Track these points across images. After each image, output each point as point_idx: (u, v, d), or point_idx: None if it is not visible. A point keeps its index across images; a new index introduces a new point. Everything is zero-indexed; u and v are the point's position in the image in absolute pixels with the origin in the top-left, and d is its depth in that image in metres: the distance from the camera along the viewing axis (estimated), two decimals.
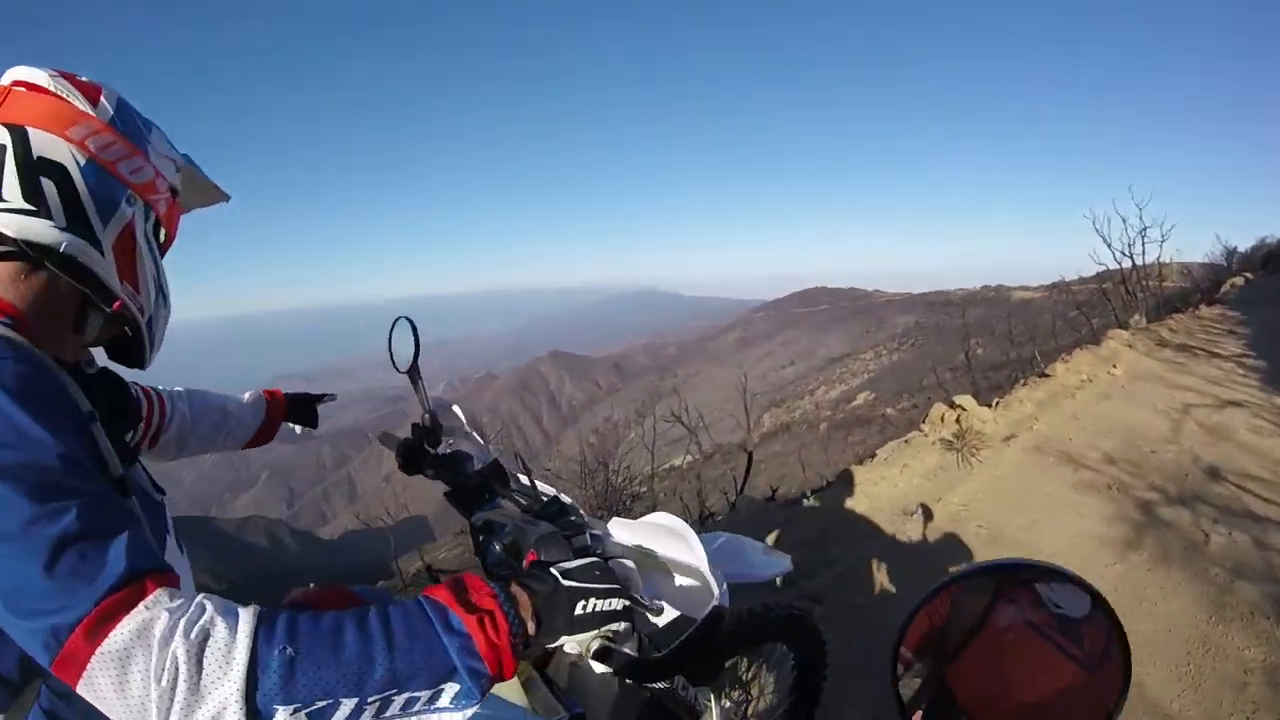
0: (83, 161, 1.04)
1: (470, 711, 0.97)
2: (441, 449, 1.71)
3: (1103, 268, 11.69)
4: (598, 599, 1.06)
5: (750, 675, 2.14)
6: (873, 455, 5.52)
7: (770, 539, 4.24)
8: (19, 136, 1.00)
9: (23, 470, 0.81)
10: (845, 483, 4.99)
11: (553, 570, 1.07)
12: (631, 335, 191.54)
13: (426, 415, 1.69)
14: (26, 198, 1.00)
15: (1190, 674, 3.02)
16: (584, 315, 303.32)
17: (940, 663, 1.32)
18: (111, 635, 0.76)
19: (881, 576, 3.91)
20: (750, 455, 6.38)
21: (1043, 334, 13.49)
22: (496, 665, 0.92)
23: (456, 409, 1.77)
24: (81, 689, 0.76)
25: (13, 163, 1.00)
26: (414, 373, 1.63)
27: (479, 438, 1.75)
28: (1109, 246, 11.26)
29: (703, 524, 5.31)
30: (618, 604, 1.08)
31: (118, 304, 1.11)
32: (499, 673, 0.93)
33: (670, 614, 1.25)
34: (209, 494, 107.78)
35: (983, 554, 4.07)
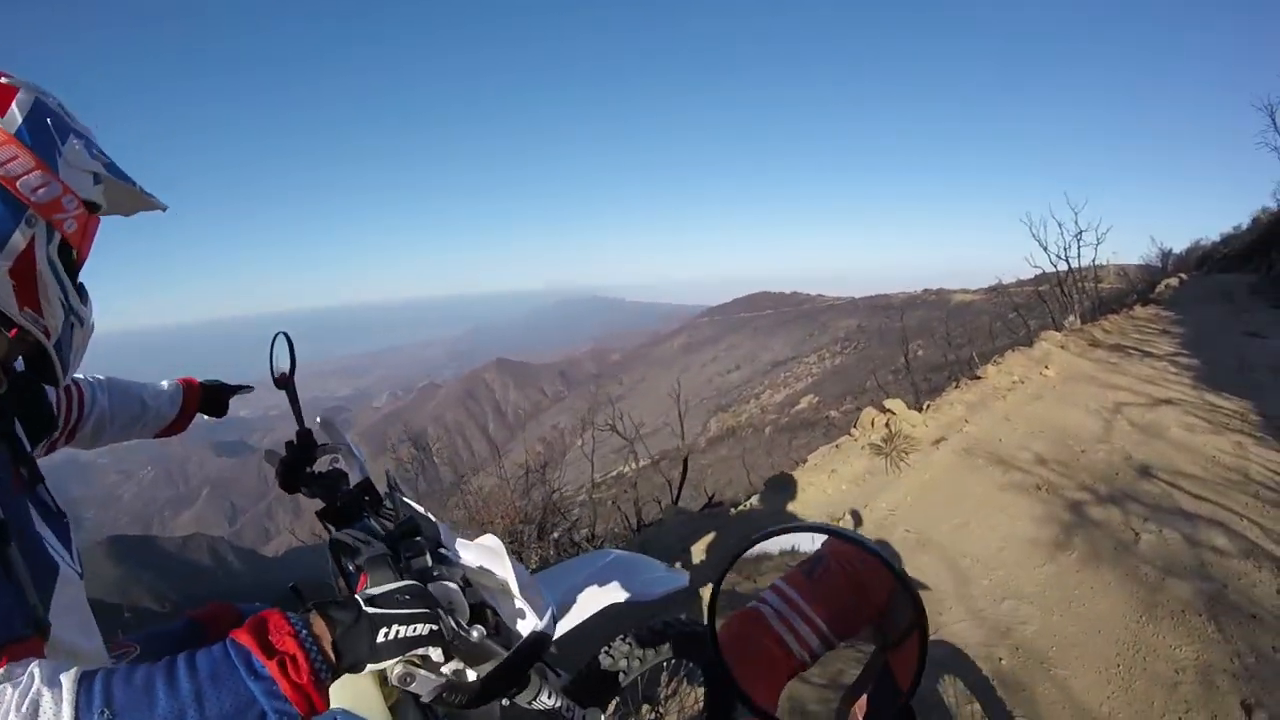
0: None
1: None
2: (321, 466, 1.69)
3: (1039, 270, 11.96)
4: (400, 625, 1.03)
5: (669, 692, 2.11)
6: (804, 460, 5.50)
7: (696, 547, 4.18)
8: None
9: None
10: (777, 488, 4.95)
11: (356, 597, 1.04)
12: (576, 342, 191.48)
13: (300, 432, 1.68)
14: None
15: (1120, 674, 2.98)
16: (528, 321, 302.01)
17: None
18: None
19: None
20: (685, 464, 6.34)
21: (981, 336, 13.73)
22: (305, 704, 0.91)
23: (339, 424, 1.74)
24: None
25: None
26: (289, 386, 1.65)
27: (359, 459, 1.71)
28: (1045, 250, 11.51)
29: (640, 534, 5.27)
30: (423, 629, 1.05)
31: (14, 331, 1.04)
32: (309, 709, 0.91)
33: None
34: (148, 511, 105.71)
35: (911, 558, 4.02)
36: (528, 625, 1.28)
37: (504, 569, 1.30)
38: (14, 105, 1.02)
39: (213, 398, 2.05)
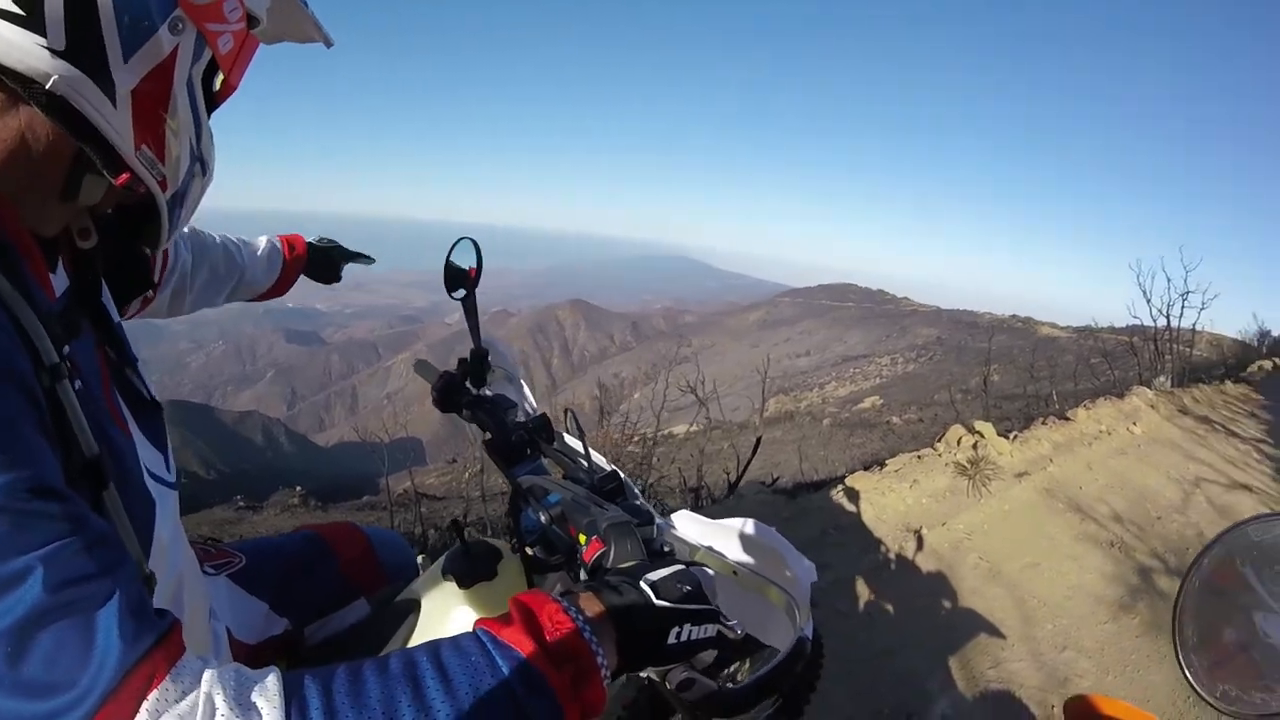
0: None
1: None
2: (483, 390, 1.56)
3: (1136, 321, 11.56)
4: (692, 624, 0.84)
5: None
6: (882, 463, 5.49)
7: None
8: None
9: None
10: (850, 486, 4.95)
11: (642, 584, 0.84)
12: (654, 297, 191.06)
13: (475, 350, 1.54)
14: None
15: None
16: (611, 268, 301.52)
17: None
18: None
19: (875, 591, 3.90)
20: (759, 440, 6.33)
21: (1063, 374, 13.39)
22: (582, 717, 0.72)
23: (508, 350, 1.62)
24: None
25: None
26: (469, 301, 1.50)
27: (526, 387, 1.60)
28: (1148, 302, 11.13)
29: (697, 497, 5.29)
30: (711, 630, 0.86)
31: (124, 176, 0.77)
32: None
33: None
34: (212, 383, 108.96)
35: (978, 587, 4.06)
36: (785, 633, 1.10)
37: (774, 563, 1.13)
38: None
39: (322, 260, 1.86)
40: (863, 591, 3.88)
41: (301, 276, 1.86)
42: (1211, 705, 1.04)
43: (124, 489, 0.78)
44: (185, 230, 1.41)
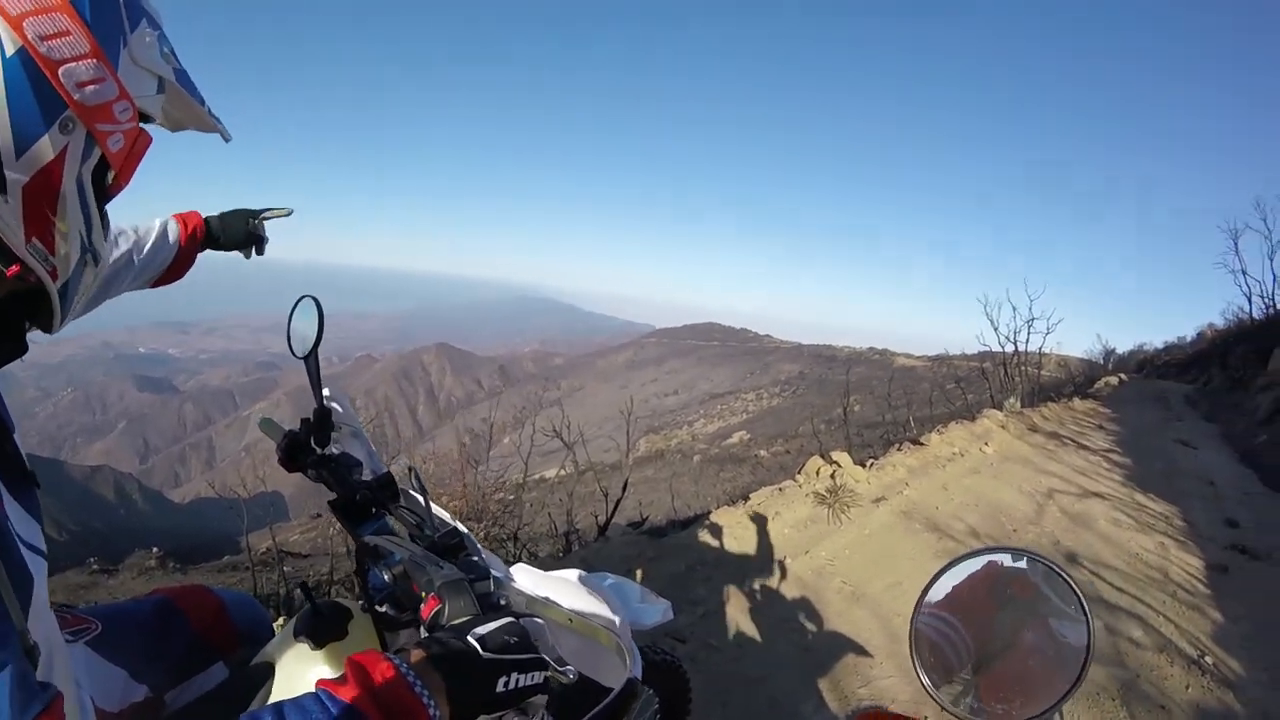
0: (9, 50, 0.70)
1: None
2: (328, 449, 1.54)
3: (985, 348, 12.24)
4: (519, 672, 0.90)
5: None
6: (746, 498, 5.52)
7: (638, 575, 4.14)
8: None
9: None
10: (715, 521, 4.95)
11: (470, 638, 0.90)
12: (522, 339, 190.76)
13: (318, 409, 1.51)
14: None
15: None
16: (476, 310, 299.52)
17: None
18: None
19: (744, 622, 3.87)
20: (626, 481, 6.26)
21: (919, 401, 13.97)
22: None
23: (349, 408, 1.61)
24: None
25: None
26: (312, 360, 1.48)
27: (368, 444, 1.59)
28: (995, 330, 11.79)
29: (567, 542, 5.19)
30: (538, 677, 0.92)
31: (14, 268, 0.78)
32: None
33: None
34: (60, 434, 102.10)
35: (844, 610, 4.07)
36: (618, 673, 1.17)
37: (600, 607, 1.19)
38: None
39: (230, 229, 1.74)
40: (731, 623, 3.84)
41: (214, 253, 1.77)
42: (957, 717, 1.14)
43: (5, 562, 0.74)
44: None
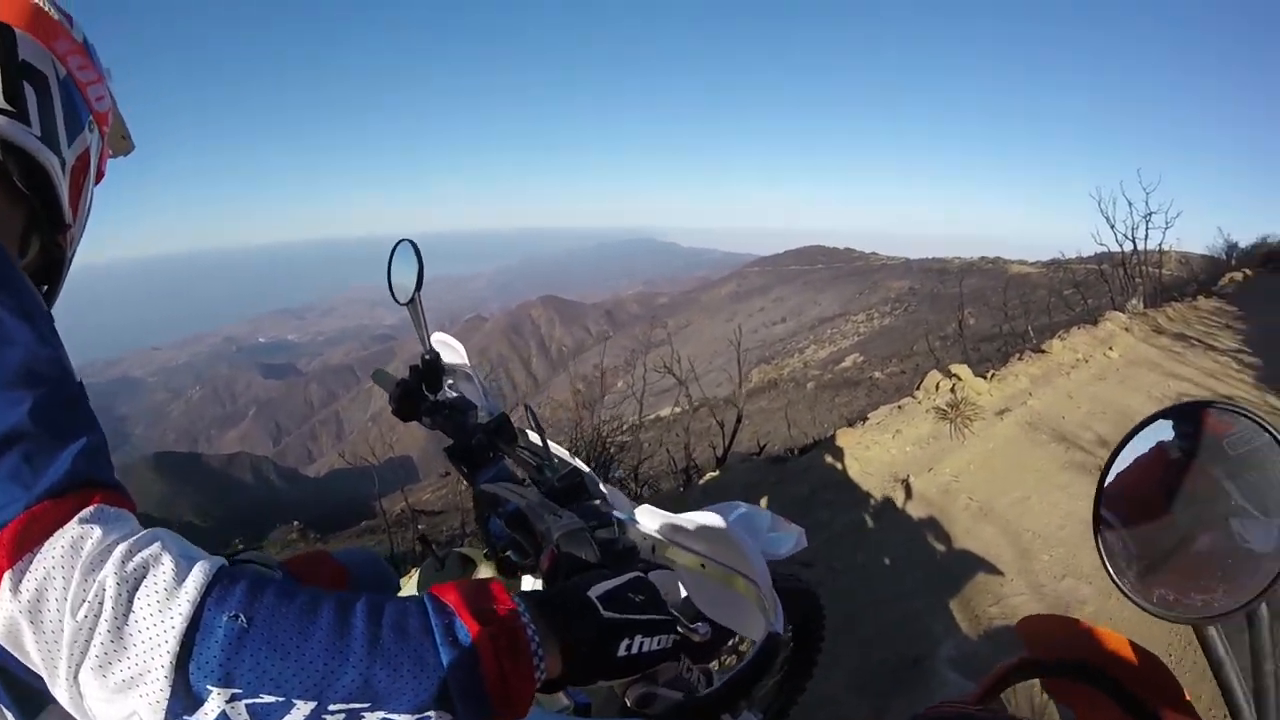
0: (61, 75, 0.97)
1: None
2: (441, 394, 1.53)
3: (1103, 249, 11.61)
4: (644, 635, 0.82)
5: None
6: (865, 418, 5.49)
7: (763, 503, 4.18)
8: (6, 36, 0.91)
9: None
10: (835, 444, 4.94)
11: (590, 595, 0.81)
12: (624, 282, 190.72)
13: (426, 354, 1.51)
14: (8, 99, 0.89)
15: (1172, 664, 3.02)
16: (577, 259, 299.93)
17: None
18: (34, 551, 0.59)
19: (870, 543, 3.90)
20: (740, 412, 6.34)
21: (1037, 309, 13.48)
22: (503, 700, 0.68)
23: (459, 349, 1.58)
24: None
25: None
26: (415, 304, 1.48)
27: (481, 385, 1.55)
28: (1112, 228, 11.17)
29: (688, 477, 5.30)
30: (666, 641, 0.84)
31: (67, 230, 1.01)
32: (506, 710, 0.69)
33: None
34: (195, 428, 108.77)
35: (971, 527, 4.06)
36: (758, 625, 1.02)
37: (739, 557, 1.01)
38: (75, 21, 1.03)
39: None
40: (857, 545, 3.87)
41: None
42: (1149, 612, 1.03)
43: None
44: None
